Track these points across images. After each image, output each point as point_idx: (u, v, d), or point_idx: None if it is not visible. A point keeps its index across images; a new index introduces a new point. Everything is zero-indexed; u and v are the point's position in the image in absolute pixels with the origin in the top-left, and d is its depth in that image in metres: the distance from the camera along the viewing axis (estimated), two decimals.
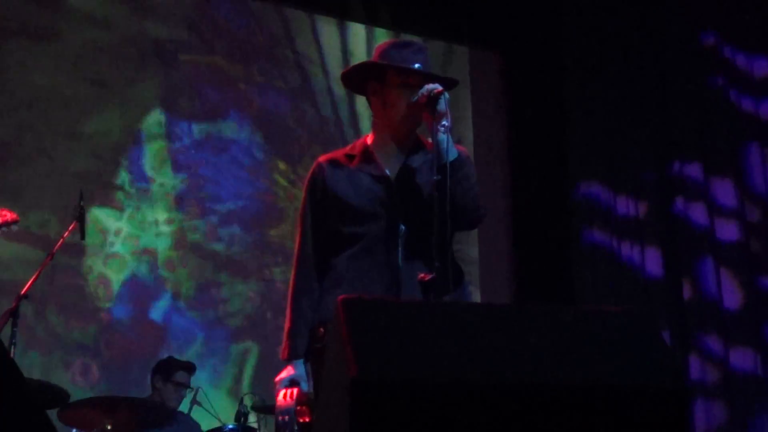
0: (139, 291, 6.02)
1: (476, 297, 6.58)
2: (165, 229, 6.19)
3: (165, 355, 5.60)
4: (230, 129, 6.54)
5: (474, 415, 1.84)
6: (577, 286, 6.42)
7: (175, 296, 6.11)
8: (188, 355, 5.82)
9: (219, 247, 6.33)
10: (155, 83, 6.37)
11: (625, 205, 6.39)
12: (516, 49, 7.09)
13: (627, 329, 2.08)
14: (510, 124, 7.12)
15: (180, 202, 6.24)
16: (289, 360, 2.98)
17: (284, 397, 2.89)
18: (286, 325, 3.01)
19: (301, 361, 2.97)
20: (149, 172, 6.21)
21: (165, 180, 6.25)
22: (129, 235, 6.05)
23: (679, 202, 6.11)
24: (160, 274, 6.10)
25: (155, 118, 6.35)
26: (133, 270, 6.02)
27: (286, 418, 2.82)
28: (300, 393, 2.89)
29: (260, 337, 6.26)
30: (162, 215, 6.19)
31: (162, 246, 6.16)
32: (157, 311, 6.04)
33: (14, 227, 3.83)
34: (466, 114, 7.10)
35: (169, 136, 6.34)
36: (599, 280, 6.35)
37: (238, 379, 6.17)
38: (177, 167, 6.30)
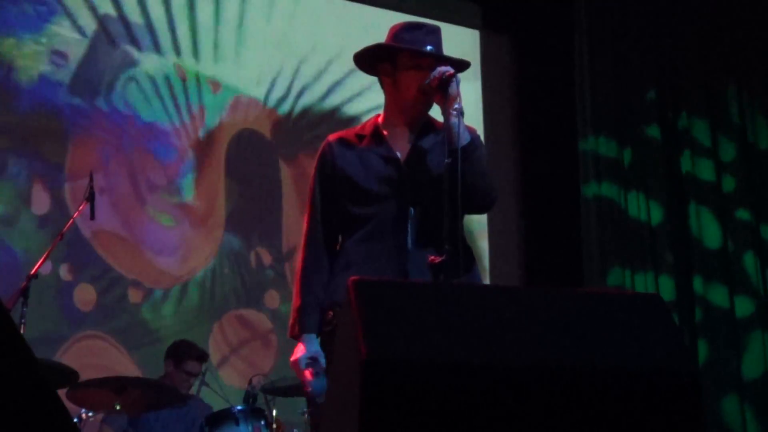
0: None
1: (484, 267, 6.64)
2: None
3: None
4: None
5: (484, 397, 1.84)
6: (585, 240, 6.55)
7: None
8: None
9: None
10: None
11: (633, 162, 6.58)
12: (524, 16, 7.17)
13: (638, 313, 2.08)
14: (518, 91, 7.24)
15: None
16: (299, 335, 2.96)
17: (311, 376, 2.87)
18: (295, 302, 3.00)
19: (314, 335, 2.95)
20: None
21: None
22: None
23: (686, 156, 6.35)
24: None
25: None
26: None
27: (322, 399, 2.80)
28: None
29: None
30: None
31: None
32: None
33: None
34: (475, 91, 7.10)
35: None
36: (606, 235, 6.50)
37: None
38: None
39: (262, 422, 4.75)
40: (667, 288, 6.17)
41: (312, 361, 2.90)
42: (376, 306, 1.88)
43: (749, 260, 6.02)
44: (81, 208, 4.57)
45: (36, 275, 4.28)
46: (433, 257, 2.78)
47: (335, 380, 2.16)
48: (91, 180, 4.60)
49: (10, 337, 1.87)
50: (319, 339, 2.97)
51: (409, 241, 2.90)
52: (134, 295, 5.89)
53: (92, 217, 4.57)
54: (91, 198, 4.53)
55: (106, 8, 6.13)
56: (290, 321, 3.01)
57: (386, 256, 2.91)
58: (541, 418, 1.86)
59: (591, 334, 1.97)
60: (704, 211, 6.21)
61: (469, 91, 6.51)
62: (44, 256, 4.37)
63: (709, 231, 6.17)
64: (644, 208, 6.41)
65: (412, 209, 2.93)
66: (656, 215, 6.38)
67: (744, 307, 5.99)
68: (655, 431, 1.91)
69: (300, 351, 2.94)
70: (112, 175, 5.92)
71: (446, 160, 2.78)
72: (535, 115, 7.05)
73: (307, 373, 2.89)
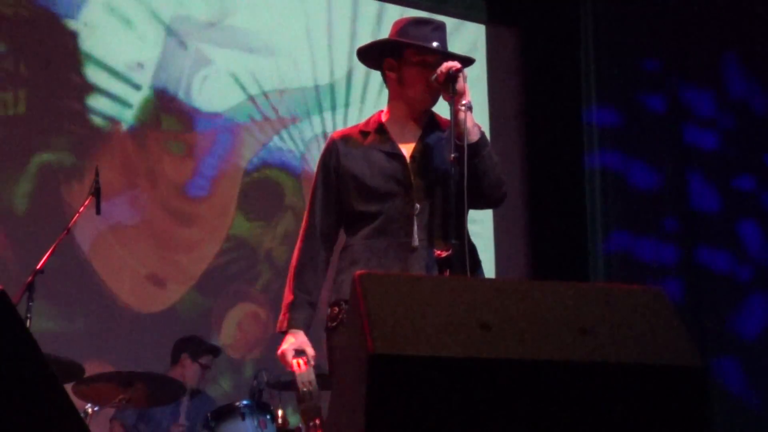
0: None
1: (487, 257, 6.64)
2: None
3: None
4: None
5: (490, 392, 1.84)
6: (588, 209, 6.65)
7: None
8: None
9: None
10: None
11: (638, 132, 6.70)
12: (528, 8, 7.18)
13: (642, 307, 2.07)
14: (524, 80, 7.24)
15: None
16: (286, 331, 2.96)
17: (299, 366, 2.86)
18: (287, 297, 3.00)
19: (302, 332, 2.94)
20: None
21: None
22: None
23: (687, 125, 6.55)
24: None
25: None
26: None
27: (310, 387, 2.81)
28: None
29: None
30: None
31: None
32: None
33: None
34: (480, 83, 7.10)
35: None
36: (610, 207, 6.61)
37: None
38: None
39: (268, 417, 4.75)
40: (668, 254, 6.32)
41: (299, 352, 2.90)
42: (382, 300, 1.88)
43: (749, 226, 6.27)
44: (86, 202, 4.58)
45: (42, 270, 4.29)
46: (439, 252, 2.79)
47: (342, 375, 2.17)
48: (97, 175, 4.61)
49: (17, 332, 1.88)
50: (309, 334, 2.98)
51: (415, 237, 2.90)
52: (150, 290, 5.91)
53: (98, 212, 4.57)
54: (96, 193, 4.54)
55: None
56: (280, 316, 3.00)
57: (392, 253, 2.91)
58: (546, 413, 1.86)
59: (597, 329, 1.97)
60: (705, 178, 6.43)
61: (475, 85, 6.49)
62: (50, 250, 4.38)
63: (709, 198, 6.38)
64: (647, 177, 6.54)
65: (417, 205, 2.93)
66: (658, 183, 6.53)
67: (743, 271, 6.23)
68: (660, 427, 1.91)
69: (286, 343, 2.93)
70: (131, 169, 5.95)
71: (453, 155, 2.78)
72: (540, 104, 7.05)
73: (296, 364, 2.89)
